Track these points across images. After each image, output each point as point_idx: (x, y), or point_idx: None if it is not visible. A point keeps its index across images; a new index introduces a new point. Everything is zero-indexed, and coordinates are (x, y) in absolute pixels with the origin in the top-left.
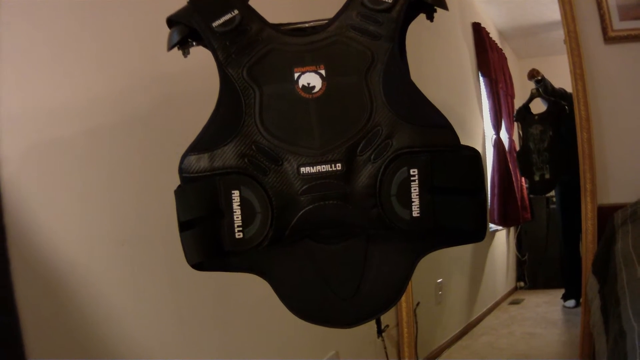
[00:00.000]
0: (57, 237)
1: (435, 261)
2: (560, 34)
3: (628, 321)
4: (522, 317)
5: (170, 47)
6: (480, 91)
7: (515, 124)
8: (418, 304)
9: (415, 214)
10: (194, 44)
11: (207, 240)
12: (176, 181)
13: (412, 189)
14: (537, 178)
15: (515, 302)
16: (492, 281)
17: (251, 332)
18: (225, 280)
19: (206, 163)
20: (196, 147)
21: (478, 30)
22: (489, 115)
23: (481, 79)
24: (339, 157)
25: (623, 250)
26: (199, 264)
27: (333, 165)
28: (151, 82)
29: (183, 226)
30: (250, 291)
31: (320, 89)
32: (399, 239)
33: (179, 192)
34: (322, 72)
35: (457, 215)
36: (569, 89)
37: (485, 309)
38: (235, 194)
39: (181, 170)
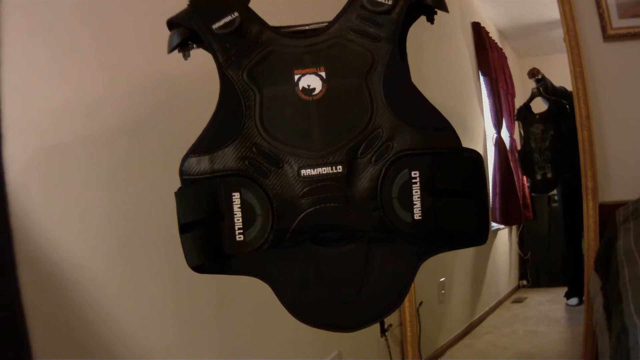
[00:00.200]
0: (60, 238)
1: (437, 260)
2: (559, 32)
3: (630, 318)
4: (525, 315)
5: (170, 50)
6: (481, 90)
7: (516, 123)
8: (421, 303)
9: (417, 216)
10: (194, 46)
11: (207, 243)
12: (177, 183)
13: (414, 191)
14: (539, 177)
15: (518, 301)
16: (494, 280)
17: (253, 332)
18: (227, 280)
19: (207, 165)
20: (196, 150)
21: (478, 30)
22: (489, 114)
23: (481, 78)
24: (340, 159)
25: (625, 248)
26: (199, 267)
27: (334, 167)
28: (152, 84)
29: (183, 228)
30: (251, 291)
31: (321, 91)
32: (400, 242)
33: (180, 194)
34: (322, 74)
35: (459, 218)
36: (569, 87)
37: (488, 308)
38: (236, 196)
39: (181, 173)
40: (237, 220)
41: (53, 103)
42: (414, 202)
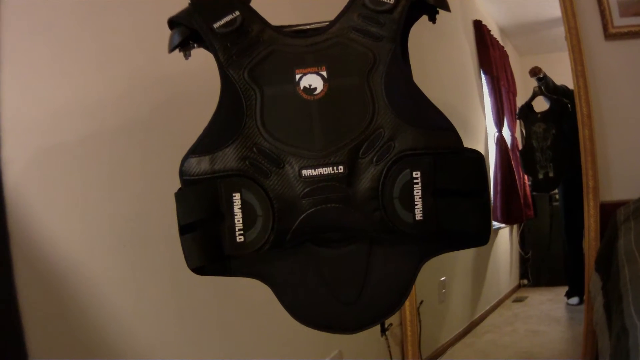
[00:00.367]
0: (59, 238)
1: (438, 259)
2: (561, 30)
3: (630, 318)
4: (525, 314)
5: (171, 49)
6: (482, 89)
7: (518, 121)
8: (421, 302)
9: (418, 217)
10: (195, 45)
11: (207, 244)
12: (177, 183)
13: (415, 191)
14: (541, 176)
15: (519, 300)
16: (495, 279)
17: (253, 332)
18: (227, 280)
19: (207, 165)
20: (197, 150)
21: (479, 28)
22: (491, 112)
23: (483, 76)
24: (341, 159)
25: (625, 247)
26: (199, 269)
27: (335, 167)
28: (152, 83)
29: (183, 229)
30: (252, 290)
31: (322, 90)
32: (402, 243)
33: (180, 195)
34: (324, 73)
35: (461, 219)
36: (570, 85)
37: (488, 307)
38: (237, 196)
39: (182, 173)
40: (238, 221)
41: (53, 103)
42: (416, 203)
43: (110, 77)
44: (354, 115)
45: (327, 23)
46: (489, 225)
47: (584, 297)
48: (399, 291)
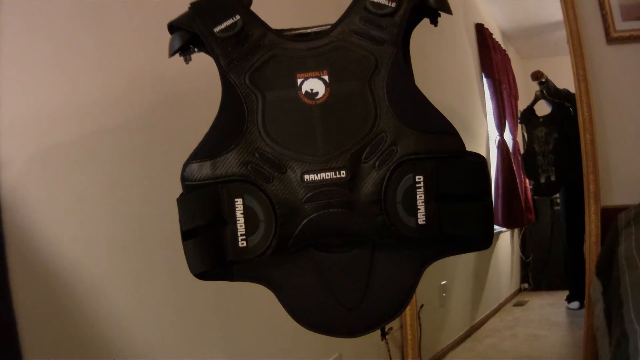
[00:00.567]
0: (59, 239)
1: (439, 263)
2: (563, 34)
3: (630, 324)
4: (526, 319)
5: (171, 54)
6: (484, 92)
7: (520, 125)
8: (422, 306)
9: (421, 221)
10: (196, 50)
11: (210, 250)
12: (178, 183)
13: (418, 196)
14: (542, 180)
15: (520, 304)
16: (496, 283)
17: (253, 334)
18: (227, 282)
19: (209, 171)
20: (198, 155)
21: (481, 31)
22: (492, 116)
23: (484, 80)
24: (344, 164)
25: (626, 253)
26: (202, 274)
27: (337, 172)
28: (153, 83)
29: (186, 235)
30: (252, 293)
31: (324, 94)
32: (404, 247)
33: (182, 201)
34: (326, 77)
35: (463, 223)
36: (572, 89)
37: (489, 311)
38: (239, 202)
39: (183, 179)
40: (240, 226)
41: (53, 103)
42: (418, 207)
43: (110, 77)
44: (356, 120)
45: (329, 26)
46: (492, 229)
47: (585, 302)
48: (401, 295)
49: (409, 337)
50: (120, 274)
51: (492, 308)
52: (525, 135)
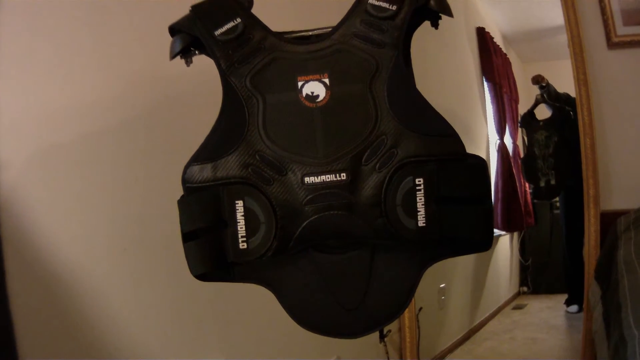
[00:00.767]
0: (58, 240)
1: (438, 266)
2: (564, 38)
3: (629, 328)
4: (524, 322)
5: (172, 56)
6: (485, 96)
7: (520, 129)
8: (420, 309)
9: (421, 223)
10: (197, 52)
11: (210, 251)
12: (178, 185)
13: (418, 198)
14: (542, 184)
15: (518, 307)
16: (495, 286)
17: (252, 335)
18: (227, 284)
19: (209, 173)
20: (199, 157)
21: (482, 35)
22: (493, 120)
23: (485, 83)
24: (344, 166)
25: (625, 257)
26: (202, 275)
27: (338, 174)
28: (153, 84)
29: (186, 237)
30: (251, 294)
31: (324, 97)
32: (404, 249)
33: (182, 203)
34: (326, 80)
35: (463, 225)
36: (573, 94)
37: (488, 314)
38: (239, 204)
39: (184, 181)
40: (241, 228)
41: (52, 103)
42: (418, 210)
43: (110, 77)
44: (357, 122)
45: (330, 29)
46: (492, 231)
47: (584, 306)
48: (401, 297)
49: (408, 339)
50: (120, 274)
51: (491, 311)
52: (526, 138)
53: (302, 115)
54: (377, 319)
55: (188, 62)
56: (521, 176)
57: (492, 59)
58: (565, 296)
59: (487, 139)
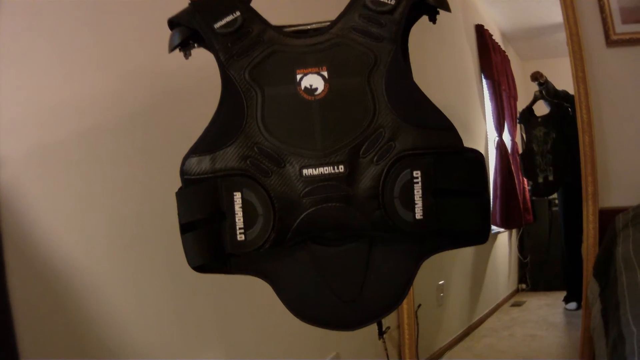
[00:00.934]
0: (58, 237)
1: (436, 263)
2: (563, 36)
3: (627, 325)
4: (523, 319)
5: (171, 49)
6: (483, 93)
7: (518, 126)
8: (419, 305)
9: (418, 216)
10: (196, 45)
11: (208, 243)
12: (178, 181)
13: (415, 191)
14: (540, 180)
15: (517, 304)
16: (493, 283)
17: (251, 333)
18: (226, 280)
19: (207, 165)
20: (197, 149)
21: (481, 32)
22: (491, 117)
23: (484, 80)
24: (342, 159)
25: (624, 254)
26: (200, 267)
27: (336, 167)
28: (153, 80)
29: (184, 228)
30: (250, 292)
31: (323, 90)
32: (401, 242)
33: (180, 194)
34: (325, 73)
35: (461, 218)
36: (571, 91)
37: (486, 311)
38: (237, 195)
39: (182, 173)
40: (239, 219)
41: (52, 100)
42: (416, 202)
43: (109, 74)
44: (355, 115)
45: (328, 23)
46: (489, 224)
47: (582, 303)
48: (398, 289)
49: (407, 336)
50: (119, 272)
51: (490, 308)
52: (524, 135)
53: (301, 107)
54: (375, 311)
55: (187, 55)
56: (520, 173)
57: (490, 56)
58: (563, 293)
59: (486, 136)
